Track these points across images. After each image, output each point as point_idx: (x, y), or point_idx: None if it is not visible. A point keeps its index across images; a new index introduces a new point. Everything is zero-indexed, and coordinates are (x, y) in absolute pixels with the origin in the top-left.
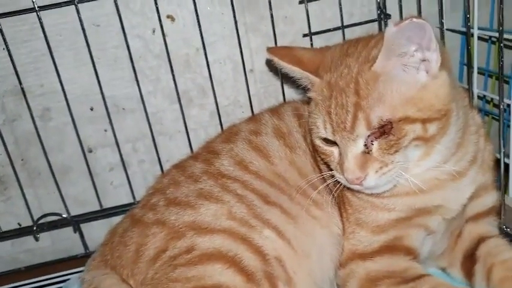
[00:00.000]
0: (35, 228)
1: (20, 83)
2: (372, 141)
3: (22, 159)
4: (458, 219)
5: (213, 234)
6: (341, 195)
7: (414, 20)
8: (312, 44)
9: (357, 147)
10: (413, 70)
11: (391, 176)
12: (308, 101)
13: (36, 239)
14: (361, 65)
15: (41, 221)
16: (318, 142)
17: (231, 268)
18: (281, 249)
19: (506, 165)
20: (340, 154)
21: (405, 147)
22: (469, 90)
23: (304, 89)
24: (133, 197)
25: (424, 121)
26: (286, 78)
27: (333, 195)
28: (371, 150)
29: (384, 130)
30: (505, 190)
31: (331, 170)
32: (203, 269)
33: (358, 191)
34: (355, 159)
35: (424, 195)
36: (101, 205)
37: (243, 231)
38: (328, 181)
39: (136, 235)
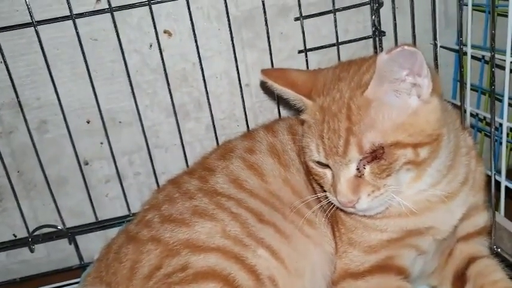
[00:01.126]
0: (30, 239)
1: (17, 96)
2: (364, 165)
3: (18, 171)
4: (450, 239)
5: (207, 252)
6: (334, 215)
7: (406, 47)
8: (307, 60)
9: (349, 171)
10: (404, 95)
11: (383, 199)
12: (302, 120)
13: (32, 251)
14: (353, 91)
15: (36, 233)
16: (312, 164)
17: (224, 287)
18: (274, 268)
19: (498, 183)
20: (333, 177)
21: (397, 171)
22: (461, 108)
23: (298, 110)
24: (129, 210)
25: (415, 146)
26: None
27: (327, 214)
28: (363, 174)
29: (376, 155)
30: (496, 208)
31: (325, 190)
32: None
33: (352, 213)
34: (348, 183)
35: (415, 217)
36: (96, 217)
37: (237, 250)
38: (323, 201)
39: (131, 252)
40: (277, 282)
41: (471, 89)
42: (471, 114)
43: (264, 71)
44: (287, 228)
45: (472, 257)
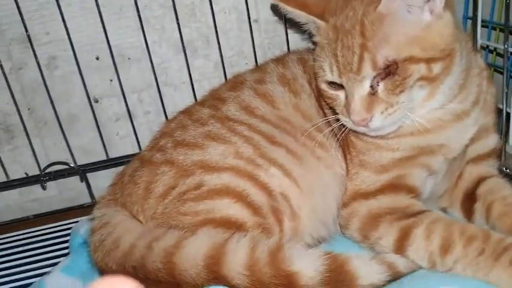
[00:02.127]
0: (42, 176)
1: (26, 30)
2: (377, 82)
3: (29, 109)
4: (460, 160)
5: (221, 171)
6: (345, 139)
7: None
8: None
9: (363, 88)
10: (417, 10)
11: (397, 116)
12: (313, 49)
13: (44, 188)
14: (366, 7)
15: (48, 170)
16: (324, 86)
17: (238, 202)
18: (286, 186)
19: (508, 115)
20: (346, 97)
21: (410, 87)
22: (474, 34)
23: (310, 36)
24: (139, 147)
25: (429, 61)
26: (291, 27)
27: (338, 138)
28: (377, 91)
29: (390, 70)
30: (506, 139)
31: (336, 114)
32: (212, 203)
33: (364, 134)
34: (361, 101)
35: (427, 135)
36: (107, 155)
37: (250, 169)
38: (333, 125)
39: (145, 174)
40: (289, 199)
41: (482, 26)
42: (481, 47)
43: None
44: (298, 150)
45: (482, 177)
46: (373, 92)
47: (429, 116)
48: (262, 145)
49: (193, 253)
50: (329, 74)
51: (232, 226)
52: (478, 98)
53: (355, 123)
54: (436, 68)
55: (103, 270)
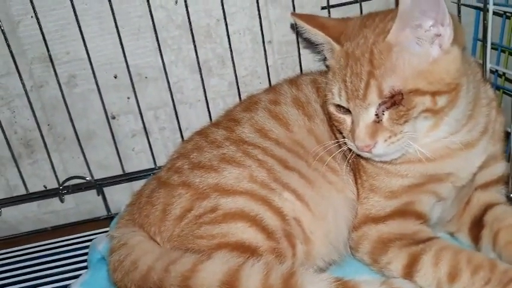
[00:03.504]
0: (61, 190)
1: (48, 50)
2: (382, 111)
3: (48, 125)
4: (468, 187)
5: (236, 195)
6: (356, 163)
7: None
8: (329, 17)
9: (368, 115)
10: (426, 44)
11: (400, 145)
12: (325, 72)
13: (62, 201)
14: (376, 36)
15: (66, 184)
16: (332, 109)
17: (252, 227)
18: (299, 210)
19: None
20: (352, 122)
21: (414, 118)
22: (483, 62)
23: (324, 59)
24: (154, 163)
25: (434, 94)
26: (303, 48)
27: (348, 162)
28: (381, 120)
29: (395, 101)
30: None
31: (344, 137)
32: (227, 227)
33: (369, 158)
34: (366, 128)
35: (436, 163)
36: (123, 170)
37: (264, 193)
38: (343, 147)
39: (163, 196)
40: (302, 223)
41: (491, 48)
42: (490, 71)
43: (294, 14)
44: (311, 175)
45: (489, 204)
46: (378, 120)
47: (435, 145)
48: (276, 169)
49: (209, 278)
50: (337, 97)
51: (247, 250)
52: (487, 128)
53: (358, 148)
54: (441, 101)
55: None
